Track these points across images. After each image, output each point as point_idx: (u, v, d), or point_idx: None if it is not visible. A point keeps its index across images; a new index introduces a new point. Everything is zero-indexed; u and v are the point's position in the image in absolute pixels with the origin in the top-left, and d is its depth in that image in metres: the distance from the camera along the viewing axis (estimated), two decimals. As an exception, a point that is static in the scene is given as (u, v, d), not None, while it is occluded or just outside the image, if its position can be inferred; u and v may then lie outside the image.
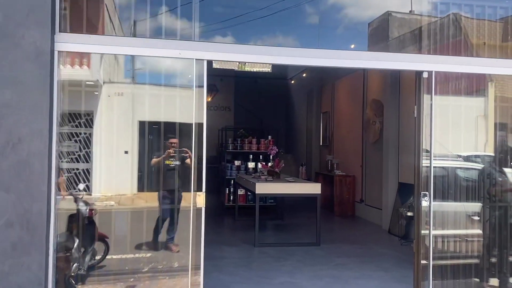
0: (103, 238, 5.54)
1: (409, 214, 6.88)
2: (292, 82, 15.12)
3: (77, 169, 6.19)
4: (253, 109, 15.77)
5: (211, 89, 14.69)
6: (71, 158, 6.14)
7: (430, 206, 3.83)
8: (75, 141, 6.35)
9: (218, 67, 16.77)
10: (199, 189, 3.35)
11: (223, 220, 8.84)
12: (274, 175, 7.48)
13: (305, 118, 13.75)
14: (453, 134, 4.79)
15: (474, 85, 4.98)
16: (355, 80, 9.95)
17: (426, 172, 3.94)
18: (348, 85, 10.49)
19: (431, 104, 3.82)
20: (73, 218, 4.59)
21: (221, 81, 14.36)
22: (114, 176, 5.53)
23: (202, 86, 3.55)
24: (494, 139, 4.92)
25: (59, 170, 3.49)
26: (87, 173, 6.24)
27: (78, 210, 4.55)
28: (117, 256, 4.99)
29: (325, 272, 5.21)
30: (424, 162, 3.94)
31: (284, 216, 9.19)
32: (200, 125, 3.52)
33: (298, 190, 6.64)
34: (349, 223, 8.82)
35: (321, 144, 12.20)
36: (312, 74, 12.92)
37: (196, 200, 3.30)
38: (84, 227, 4.91)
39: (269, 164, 7.90)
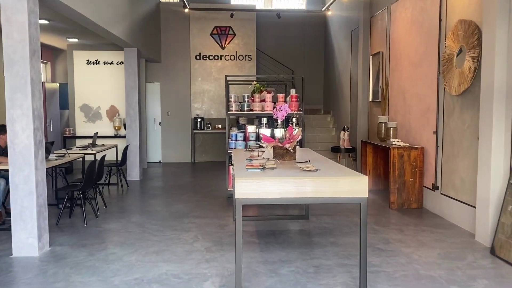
0: None
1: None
2: (329, 13, 11.48)
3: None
4: (280, 57, 12.43)
5: (225, 32, 11.46)
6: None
7: None
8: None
9: (236, 3, 13.27)
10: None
11: (217, 219, 5.79)
12: (284, 156, 4.26)
13: (349, 64, 10.16)
14: None
15: None
16: (426, -6, 6.26)
17: None
18: (412, 6, 6.78)
19: None
20: None
21: (232, 17, 10.99)
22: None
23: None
24: None
25: None
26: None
27: None
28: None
29: None
30: None
31: (313, 212, 6.02)
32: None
33: (322, 193, 3.32)
34: (414, 225, 5.48)
35: (370, 100, 8.67)
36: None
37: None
38: None
39: (277, 135, 4.63)
